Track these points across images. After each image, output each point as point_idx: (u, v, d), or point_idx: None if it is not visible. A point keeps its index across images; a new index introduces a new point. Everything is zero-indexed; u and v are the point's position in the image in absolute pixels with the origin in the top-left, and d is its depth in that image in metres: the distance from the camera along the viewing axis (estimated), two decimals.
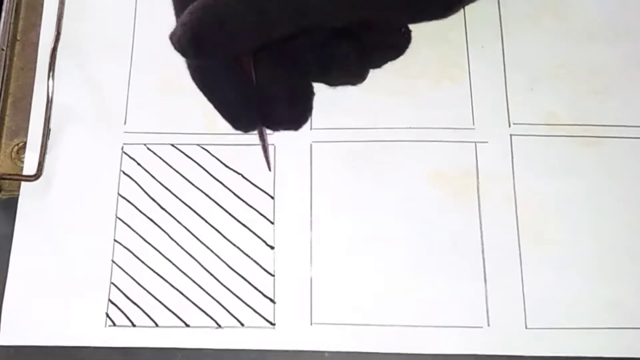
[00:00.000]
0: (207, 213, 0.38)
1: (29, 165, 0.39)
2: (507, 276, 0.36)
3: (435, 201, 0.38)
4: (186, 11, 0.34)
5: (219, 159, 0.39)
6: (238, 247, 0.37)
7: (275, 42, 0.35)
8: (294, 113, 0.38)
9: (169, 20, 0.36)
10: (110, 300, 0.37)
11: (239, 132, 0.38)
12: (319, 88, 0.40)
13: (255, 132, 0.38)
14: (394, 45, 0.39)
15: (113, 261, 0.37)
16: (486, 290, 0.36)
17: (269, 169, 0.38)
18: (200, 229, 0.38)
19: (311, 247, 0.37)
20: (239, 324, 0.36)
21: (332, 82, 0.39)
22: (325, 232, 0.37)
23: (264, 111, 0.37)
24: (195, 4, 0.34)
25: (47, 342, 0.36)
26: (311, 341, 0.36)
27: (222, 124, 0.39)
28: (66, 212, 0.38)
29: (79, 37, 0.41)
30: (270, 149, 0.39)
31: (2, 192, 0.39)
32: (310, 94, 0.39)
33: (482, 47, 0.40)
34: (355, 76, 0.38)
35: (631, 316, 0.36)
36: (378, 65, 0.39)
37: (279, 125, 0.39)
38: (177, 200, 0.38)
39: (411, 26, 0.40)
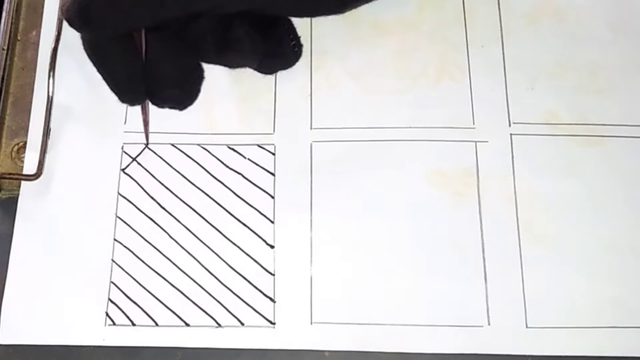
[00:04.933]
0: (208, 212, 0.38)
1: (29, 165, 0.39)
2: (508, 275, 0.36)
3: (435, 201, 0.38)
4: None
5: (219, 158, 0.39)
6: (238, 247, 0.37)
7: (175, 23, 0.35)
8: (181, 93, 0.39)
9: None
10: (110, 300, 0.37)
11: (125, 104, 0.38)
12: (318, 88, 0.40)
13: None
14: (283, 55, 0.39)
15: (113, 260, 0.37)
16: (486, 290, 0.36)
17: (146, 143, 0.39)
18: (201, 228, 0.38)
19: (311, 246, 0.37)
20: (239, 324, 0.36)
21: (229, 64, 0.39)
22: (325, 231, 0.37)
23: (151, 87, 0.37)
24: None
25: (47, 342, 0.36)
26: (311, 340, 0.36)
27: (223, 124, 0.39)
28: (66, 212, 0.38)
29: (79, 37, 0.41)
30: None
31: (2, 192, 0.39)
32: (199, 77, 0.39)
33: (482, 46, 0.40)
34: (249, 59, 0.38)
35: (631, 315, 0.35)
36: (270, 72, 0.40)
37: (164, 103, 0.39)
38: (178, 199, 0.38)
39: (411, 25, 0.41)
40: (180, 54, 0.38)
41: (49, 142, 0.39)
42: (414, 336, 0.36)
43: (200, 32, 0.37)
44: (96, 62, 0.36)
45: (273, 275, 0.37)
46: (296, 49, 0.39)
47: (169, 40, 0.37)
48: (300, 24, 0.40)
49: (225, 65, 0.39)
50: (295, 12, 0.39)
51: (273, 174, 0.39)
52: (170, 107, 0.39)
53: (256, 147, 0.39)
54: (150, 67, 0.36)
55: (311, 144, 0.39)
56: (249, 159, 0.39)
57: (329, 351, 0.36)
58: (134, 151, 0.39)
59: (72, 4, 0.33)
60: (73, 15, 0.33)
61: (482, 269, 0.36)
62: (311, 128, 0.39)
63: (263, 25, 0.37)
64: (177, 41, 0.37)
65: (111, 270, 0.37)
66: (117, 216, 0.38)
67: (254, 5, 0.36)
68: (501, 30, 0.41)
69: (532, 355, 0.35)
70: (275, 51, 0.39)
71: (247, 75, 0.40)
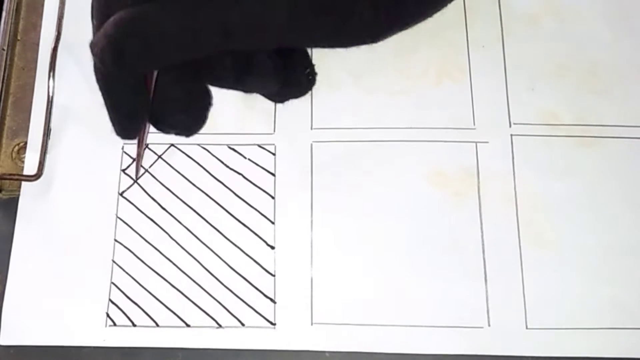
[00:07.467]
0: (208, 213, 0.38)
1: (30, 165, 0.39)
2: (508, 276, 0.36)
3: (435, 201, 0.38)
4: (111, 20, 0.33)
5: (219, 158, 0.39)
6: (239, 247, 0.37)
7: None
8: (188, 118, 0.38)
9: None
10: (110, 300, 0.37)
11: (124, 140, 0.38)
12: (318, 88, 0.40)
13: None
14: (298, 83, 0.39)
15: (113, 261, 0.37)
16: (487, 291, 0.36)
17: (136, 178, 0.39)
18: (201, 228, 0.38)
19: (311, 247, 0.37)
20: (239, 324, 0.36)
21: (246, 89, 0.39)
22: (325, 232, 0.37)
23: (158, 113, 0.37)
24: (121, 14, 0.33)
25: (48, 342, 0.36)
26: (312, 341, 0.36)
27: (223, 124, 0.39)
28: (66, 212, 0.38)
29: (80, 37, 0.41)
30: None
31: (3, 192, 0.39)
32: (208, 103, 0.39)
33: (483, 47, 0.40)
34: (270, 83, 0.38)
35: (631, 316, 0.36)
36: (281, 101, 0.40)
37: (171, 129, 0.38)
38: (178, 200, 0.38)
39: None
40: (191, 78, 0.37)
41: (49, 143, 0.39)
42: (414, 337, 0.36)
43: (218, 58, 0.36)
44: (105, 91, 0.36)
45: (273, 275, 0.37)
46: (310, 77, 0.39)
47: (180, 64, 0.37)
48: None
49: (242, 90, 0.39)
50: (328, 46, 0.39)
51: (273, 174, 0.39)
52: (177, 134, 0.39)
53: (256, 147, 0.39)
54: (159, 91, 0.36)
55: (311, 144, 0.39)
56: (249, 159, 0.39)
57: (329, 352, 0.36)
58: (134, 151, 0.39)
59: (106, 46, 0.33)
60: (107, 58, 0.33)
61: (482, 269, 0.36)
62: (311, 128, 0.39)
63: (280, 52, 0.37)
64: (189, 66, 0.37)
65: (112, 271, 0.37)
66: (117, 217, 0.38)
67: (289, 44, 0.36)
68: (502, 30, 0.41)
69: (532, 357, 0.35)
70: (290, 79, 0.39)
71: None
